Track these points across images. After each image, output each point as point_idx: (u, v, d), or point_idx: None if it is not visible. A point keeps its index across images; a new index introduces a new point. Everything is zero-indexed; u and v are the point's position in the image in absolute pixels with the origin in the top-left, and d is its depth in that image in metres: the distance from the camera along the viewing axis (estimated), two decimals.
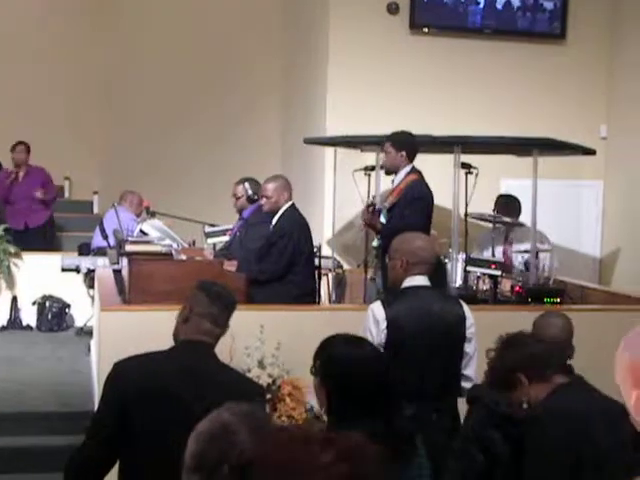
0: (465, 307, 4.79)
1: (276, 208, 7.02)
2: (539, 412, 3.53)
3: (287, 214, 7.01)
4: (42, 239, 10.60)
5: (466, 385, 4.66)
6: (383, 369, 3.23)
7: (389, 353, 4.51)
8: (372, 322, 4.60)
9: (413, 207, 6.76)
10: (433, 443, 3.89)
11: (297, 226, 7.02)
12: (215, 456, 2.25)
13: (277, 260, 6.85)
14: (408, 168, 6.95)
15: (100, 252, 9.22)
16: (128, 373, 3.42)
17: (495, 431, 3.80)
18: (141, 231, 7.55)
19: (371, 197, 7.22)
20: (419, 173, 6.97)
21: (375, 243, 6.98)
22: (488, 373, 3.76)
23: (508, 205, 8.45)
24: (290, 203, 7.05)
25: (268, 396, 5.65)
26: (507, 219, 8.07)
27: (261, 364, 5.87)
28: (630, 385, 1.96)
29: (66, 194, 12.34)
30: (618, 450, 3.44)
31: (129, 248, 6.77)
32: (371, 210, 6.84)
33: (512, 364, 3.61)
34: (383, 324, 4.57)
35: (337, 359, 3.18)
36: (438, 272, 5.68)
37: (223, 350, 3.76)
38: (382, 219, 6.87)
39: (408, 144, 6.99)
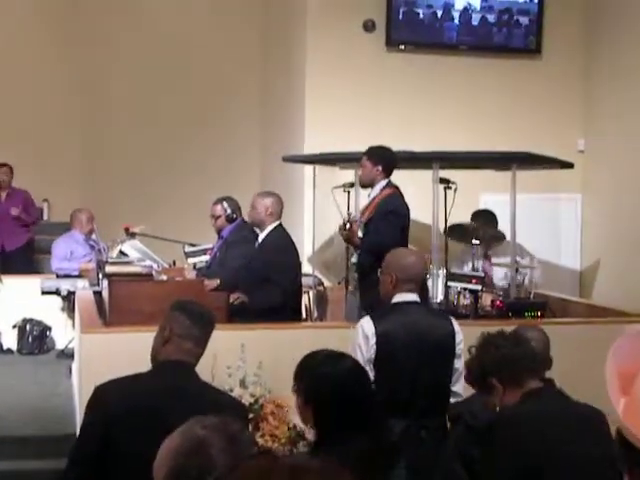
0: (455, 323, 4.79)
1: (258, 222, 7.02)
2: (496, 417, 3.49)
3: (274, 233, 6.99)
4: (20, 262, 10.53)
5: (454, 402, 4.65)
6: (366, 384, 3.23)
7: (378, 368, 4.51)
8: (361, 337, 4.59)
9: (387, 221, 6.75)
10: (421, 460, 3.89)
11: (286, 246, 7.01)
12: (194, 472, 2.24)
13: (278, 284, 6.83)
14: (384, 183, 6.94)
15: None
16: (109, 396, 3.40)
17: (474, 447, 3.78)
18: (121, 252, 7.53)
19: (347, 215, 7.20)
20: (396, 188, 6.96)
21: (354, 259, 6.98)
22: (466, 373, 3.70)
23: (484, 220, 8.48)
24: (278, 222, 7.04)
25: (251, 415, 5.64)
26: (486, 229, 8.10)
27: (243, 384, 5.86)
28: (617, 392, 1.96)
29: (45, 216, 12.27)
30: (588, 456, 3.38)
31: (109, 269, 6.75)
32: (348, 228, 6.82)
33: (485, 367, 3.55)
34: (372, 339, 4.56)
35: (321, 377, 3.17)
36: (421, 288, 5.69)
37: (204, 370, 3.74)
38: (359, 234, 6.86)
39: (385, 159, 6.98)
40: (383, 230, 6.68)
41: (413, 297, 4.71)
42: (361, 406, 3.12)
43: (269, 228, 6.99)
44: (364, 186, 7.16)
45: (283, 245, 6.98)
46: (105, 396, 3.40)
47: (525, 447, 3.29)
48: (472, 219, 8.56)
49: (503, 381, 3.49)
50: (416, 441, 4.41)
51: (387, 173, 6.97)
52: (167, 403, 3.30)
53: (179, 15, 12.27)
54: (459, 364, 4.66)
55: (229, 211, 7.68)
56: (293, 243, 7.12)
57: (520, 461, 3.30)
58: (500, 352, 3.54)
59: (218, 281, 6.89)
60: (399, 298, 4.68)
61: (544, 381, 3.72)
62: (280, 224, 7.05)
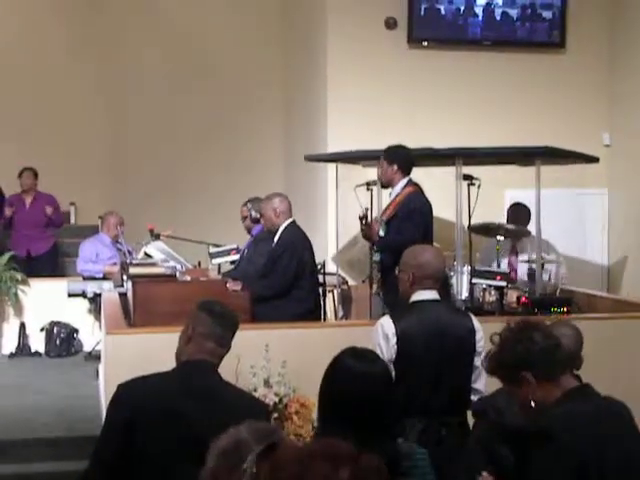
0: (474, 320, 4.74)
1: (271, 226, 7.06)
2: (547, 421, 3.39)
3: (287, 230, 7.03)
4: (46, 266, 10.58)
5: (476, 399, 4.61)
6: (383, 391, 3.13)
7: (399, 368, 4.47)
8: (382, 337, 4.54)
9: (410, 220, 6.74)
10: (442, 458, 3.86)
11: (299, 240, 7.03)
12: (225, 473, 2.24)
13: (283, 274, 6.85)
14: (404, 181, 6.93)
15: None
16: (132, 395, 3.42)
17: (502, 445, 3.73)
18: (145, 253, 7.56)
19: (364, 210, 7.16)
20: (417, 186, 6.95)
21: (377, 257, 6.96)
22: (489, 362, 3.53)
23: (516, 213, 8.45)
24: (290, 220, 7.06)
25: (275, 415, 5.64)
26: (510, 226, 8.04)
27: (267, 383, 5.85)
28: None
29: (72, 220, 12.34)
30: (632, 455, 3.33)
31: (133, 271, 6.77)
32: (365, 222, 6.82)
33: (519, 361, 3.36)
34: (393, 339, 4.51)
35: (339, 371, 3.13)
36: (442, 285, 5.64)
37: (229, 370, 3.74)
38: (381, 232, 6.85)
39: (399, 157, 6.97)
40: (406, 229, 6.67)
41: (432, 294, 4.66)
42: (371, 413, 3.01)
43: (282, 227, 7.03)
44: (383, 186, 7.19)
45: (296, 242, 7.00)
46: (127, 395, 3.42)
47: (582, 450, 3.21)
48: (508, 212, 8.57)
49: (537, 376, 3.38)
50: (437, 439, 4.38)
51: (404, 171, 6.95)
52: (187, 403, 3.32)
53: (200, 17, 12.32)
54: (479, 361, 4.61)
55: (253, 213, 7.80)
56: (307, 238, 7.12)
57: (576, 464, 3.21)
58: (538, 346, 3.40)
59: (240, 284, 6.88)
60: (418, 296, 4.64)
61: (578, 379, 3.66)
62: (293, 222, 7.07)
